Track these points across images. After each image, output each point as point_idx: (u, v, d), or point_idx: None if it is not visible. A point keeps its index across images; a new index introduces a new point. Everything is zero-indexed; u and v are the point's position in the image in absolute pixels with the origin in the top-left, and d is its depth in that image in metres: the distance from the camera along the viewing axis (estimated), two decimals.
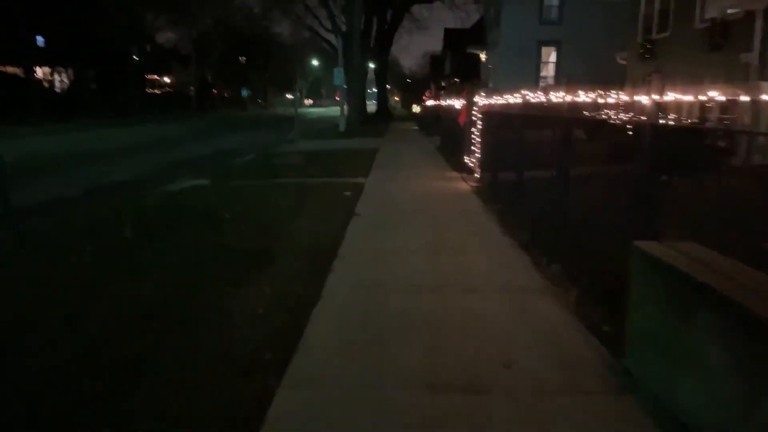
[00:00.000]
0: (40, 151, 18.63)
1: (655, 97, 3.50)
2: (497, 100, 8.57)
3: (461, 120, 10.87)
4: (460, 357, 3.54)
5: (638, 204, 3.89)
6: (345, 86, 26.92)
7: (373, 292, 4.61)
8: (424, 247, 5.99)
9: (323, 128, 29.93)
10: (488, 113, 9.07)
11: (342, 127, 26.70)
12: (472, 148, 10.60)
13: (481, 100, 9.89)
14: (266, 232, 6.58)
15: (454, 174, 11.62)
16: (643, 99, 3.59)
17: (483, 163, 9.92)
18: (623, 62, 23.89)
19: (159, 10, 51.69)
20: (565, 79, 29.52)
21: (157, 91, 56.02)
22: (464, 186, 10.11)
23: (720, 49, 12.96)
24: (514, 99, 7.43)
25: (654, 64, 16.03)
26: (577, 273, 4.70)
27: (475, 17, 47.37)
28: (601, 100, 4.57)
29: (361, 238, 6.46)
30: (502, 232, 6.66)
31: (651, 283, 3.37)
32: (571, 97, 5.20)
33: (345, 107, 27.56)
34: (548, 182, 6.00)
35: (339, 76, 26.32)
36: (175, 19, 54.82)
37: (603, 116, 4.67)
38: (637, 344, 3.46)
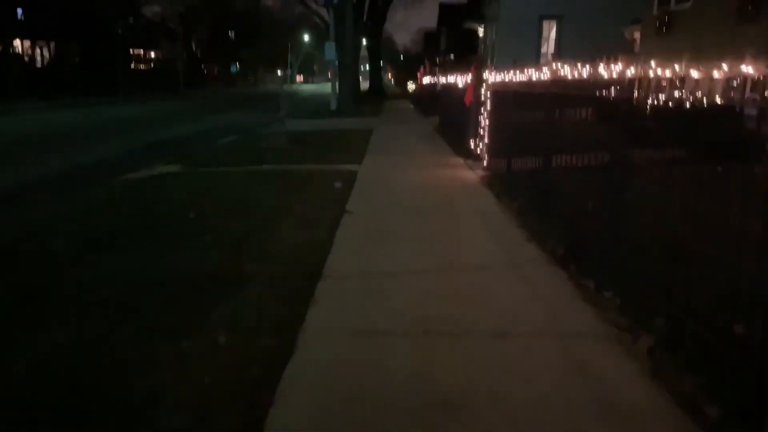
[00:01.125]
0: (5, 132, 17.14)
1: None
2: (513, 76, 7.22)
3: (467, 99, 9.53)
4: None
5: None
6: (336, 62, 25.36)
7: (366, 340, 3.32)
8: (432, 263, 4.70)
9: (314, 106, 28.38)
10: (504, 92, 7.73)
11: (334, 105, 25.22)
12: (480, 131, 9.27)
13: (492, 76, 8.53)
14: (234, 241, 5.27)
15: (458, 160, 10.30)
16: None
17: (493, 149, 8.61)
18: (632, 38, 22.52)
19: None
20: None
21: (142, 67, 53.98)
22: (471, 175, 8.80)
23: (753, 20, 11.60)
24: (537, 75, 6.11)
25: (673, 38, 14.65)
26: (646, 308, 3.44)
27: None
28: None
29: (353, 249, 5.15)
30: (527, 239, 5.38)
31: None
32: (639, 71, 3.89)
33: (337, 84, 26.00)
34: (585, 173, 4.74)
35: (330, 50, 24.76)
36: None
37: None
38: None
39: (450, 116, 13.83)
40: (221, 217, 6.13)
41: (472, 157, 9.98)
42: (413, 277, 4.37)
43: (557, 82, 5.40)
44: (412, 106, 30.39)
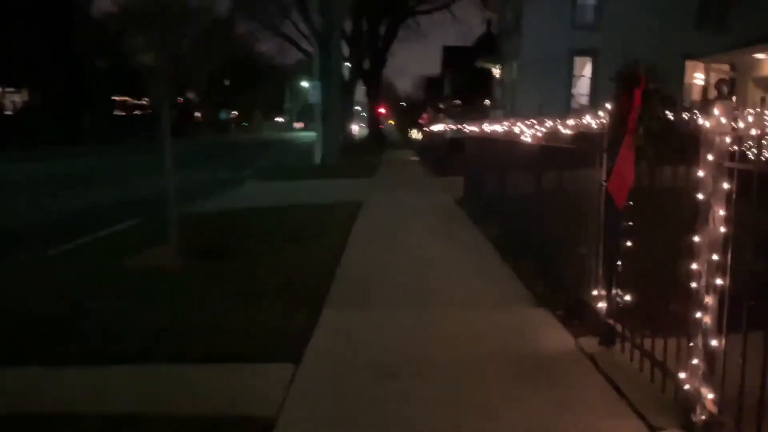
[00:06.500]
0: None
1: None
2: None
3: (619, 193, 3.05)
4: None
5: None
6: (322, 105, 19.19)
7: None
8: None
9: (299, 158, 22.12)
10: None
11: (318, 158, 19.01)
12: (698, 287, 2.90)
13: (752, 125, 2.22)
14: None
15: (556, 333, 3.86)
16: None
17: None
18: (698, 79, 16.61)
19: (134, 29, 44.47)
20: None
21: (122, 114, 48.28)
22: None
23: None
24: None
25: None
26: None
27: (478, 32, 40.25)
28: None
29: None
30: None
31: None
32: None
33: (321, 134, 19.69)
34: None
35: (315, 91, 18.68)
36: (152, 40, 47.61)
37: None
38: None
39: (497, 193, 7.48)
40: None
41: (602, 331, 3.56)
42: None
43: None
44: (416, 158, 24.23)
